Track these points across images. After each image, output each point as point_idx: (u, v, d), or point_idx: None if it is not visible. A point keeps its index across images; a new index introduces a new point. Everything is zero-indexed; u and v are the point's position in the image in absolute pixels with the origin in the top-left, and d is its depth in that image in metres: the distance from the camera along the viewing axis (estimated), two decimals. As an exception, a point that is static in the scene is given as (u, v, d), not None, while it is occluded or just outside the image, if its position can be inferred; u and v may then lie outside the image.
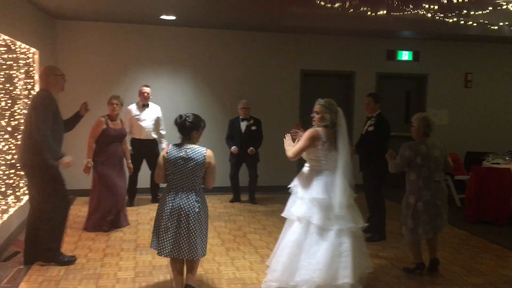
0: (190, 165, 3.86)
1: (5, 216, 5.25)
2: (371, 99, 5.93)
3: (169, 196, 3.90)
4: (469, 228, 6.70)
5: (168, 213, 3.85)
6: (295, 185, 4.28)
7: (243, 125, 7.79)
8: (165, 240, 3.86)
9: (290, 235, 4.14)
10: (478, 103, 9.94)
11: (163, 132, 7.58)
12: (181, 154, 3.88)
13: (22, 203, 5.95)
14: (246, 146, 7.76)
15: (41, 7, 6.99)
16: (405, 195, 4.80)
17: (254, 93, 8.69)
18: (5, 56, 5.31)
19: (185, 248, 3.84)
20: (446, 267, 5.07)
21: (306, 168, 4.26)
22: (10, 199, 5.47)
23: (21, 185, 5.90)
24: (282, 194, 8.51)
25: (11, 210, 5.49)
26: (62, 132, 4.86)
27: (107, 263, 4.99)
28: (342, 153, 4.11)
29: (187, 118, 3.92)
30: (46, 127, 4.55)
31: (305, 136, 4.14)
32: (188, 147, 3.90)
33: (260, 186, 8.33)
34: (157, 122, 7.50)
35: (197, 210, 3.86)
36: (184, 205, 3.84)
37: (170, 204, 3.86)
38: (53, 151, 4.65)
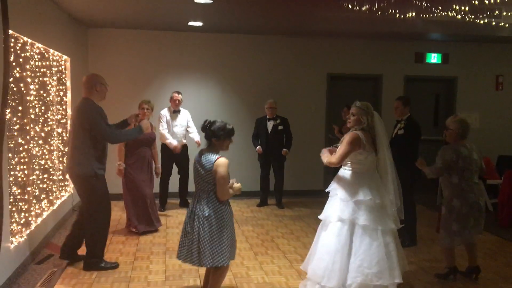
0: (202, 171, 3.84)
1: (39, 220, 5.38)
2: (400, 102, 5.87)
3: (192, 200, 3.98)
4: (503, 234, 6.53)
5: (187, 218, 3.92)
6: (334, 188, 4.24)
7: (270, 124, 7.82)
8: (182, 244, 3.92)
9: (332, 238, 4.07)
10: (510, 105, 9.71)
11: (194, 130, 7.61)
12: (198, 159, 3.90)
13: (55, 207, 6.09)
14: (272, 145, 7.77)
15: (73, 16, 7.16)
16: (447, 199, 4.68)
17: (281, 97, 8.68)
18: (39, 63, 5.46)
19: (196, 255, 3.82)
20: (480, 274, 4.95)
21: (346, 171, 4.21)
22: (44, 203, 5.60)
23: (54, 189, 6.05)
24: (309, 198, 8.57)
25: (45, 214, 5.62)
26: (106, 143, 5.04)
27: (138, 266, 5.06)
28: (383, 155, 4.12)
29: (208, 125, 3.89)
30: (109, 128, 4.81)
31: (346, 140, 4.11)
32: (205, 153, 3.88)
33: (286, 191, 8.32)
34: (187, 127, 7.59)
35: (206, 214, 3.79)
36: (197, 210, 3.84)
37: (189, 209, 3.93)
38: (130, 134, 5.14)
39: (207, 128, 3.90)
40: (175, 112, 7.48)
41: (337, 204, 4.13)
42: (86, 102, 4.80)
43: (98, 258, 4.91)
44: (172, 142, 7.29)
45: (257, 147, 7.81)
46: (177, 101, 7.44)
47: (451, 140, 4.72)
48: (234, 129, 3.96)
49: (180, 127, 7.49)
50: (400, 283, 4.04)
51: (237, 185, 3.96)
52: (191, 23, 7.70)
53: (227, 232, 3.86)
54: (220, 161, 3.78)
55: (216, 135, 3.85)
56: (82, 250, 5.04)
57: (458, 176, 4.60)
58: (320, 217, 4.28)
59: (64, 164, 6.64)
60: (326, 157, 4.26)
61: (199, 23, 7.70)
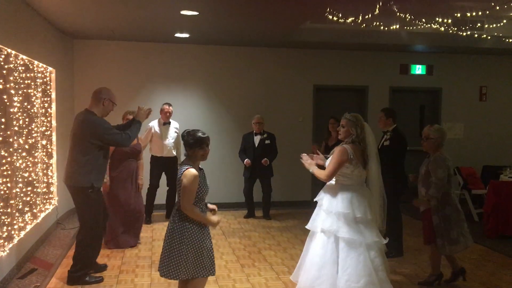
0: (177, 181, 3.64)
1: (22, 234, 5.28)
2: (383, 113, 5.93)
3: None
4: (488, 244, 6.58)
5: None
6: (321, 198, 4.28)
7: (257, 139, 7.82)
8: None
9: (317, 249, 4.11)
10: (494, 116, 9.85)
11: (181, 149, 7.62)
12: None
13: (39, 220, 5.99)
14: (259, 160, 7.76)
15: (58, 27, 7.13)
16: (437, 208, 4.65)
17: (267, 108, 8.72)
18: (23, 75, 5.40)
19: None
20: (465, 284, 4.98)
21: (332, 183, 4.25)
22: (27, 217, 5.51)
23: (38, 202, 5.96)
24: (296, 209, 8.56)
25: (28, 228, 5.53)
26: (108, 151, 5.11)
27: (123, 279, 4.99)
28: (373, 167, 4.13)
29: (184, 135, 3.63)
30: (120, 134, 4.88)
31: (335, 155, 4.14)
32: (182, 164, 3.66)
33: (274, 202, 8.30)
34: (177, 139, 7.55)
35: (171, 226, 3.59)
36: (170, 220, 3.67)
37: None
38: (134, 128, 5.04)
39: (183, 139, 3.68)
40: (165, 124, 7.43)
41: (321, 215, 4.18)
42: (89, 115, 4.83)
43: (86, 270, 4.85)
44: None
45: (245, 160, 7.79)
46: (168, 113, 7.40)
47: (432, 149, 4.80)
48: (207, 137, 3.62)
49: (170, 139, 7.46)
50: None
51: (214, 217, 3.63)
52: (178, 35, 7.71)
53: (190, 248, 3.51)
54: (187, 171, 3.50)
55: (188, 144, 3.59)
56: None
57: (449, 184, 4.70)
58: (307, 226, 4.33)
59: (49, 176, 6.57)
60: (314, 168, 4.28)
61: (186, 35, 7.72)
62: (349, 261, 3.96)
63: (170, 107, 7.44)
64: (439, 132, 4.77)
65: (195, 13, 6.06)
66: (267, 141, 7.81)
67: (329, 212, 4.11)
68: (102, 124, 4.80)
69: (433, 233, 4.70)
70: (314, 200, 4.40)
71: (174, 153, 7.54)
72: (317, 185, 6.43)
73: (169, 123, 7.49)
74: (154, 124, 7.43)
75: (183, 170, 3.55)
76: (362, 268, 3.94)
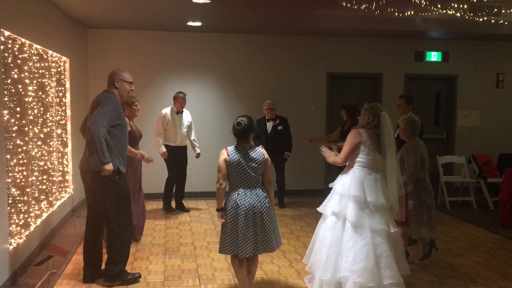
0: (253, 165, 4.03)
1: (38, 221, 5.38)
2: (403, 100, 5.89)
3: (238, 198, 4.00)
4: (504, 232, 6.51)
5: (244, 214, 3.97)
6: (335, 182, 4.35)
7: (269, 125, 7.79)
8: (246, 240, 3.97)
9: (327, 231, 4.18)
10: (510, 103, 9.69)
11: (195, 137, 7.63)
12: (243, 155, 4.05)
13: (55, 208, 6.09)
14: (273, 146, 7.71)
15: (72, 17, 7.17)
16: (415, 193, 4.89)
17: (280, 96, 8.68)
18: (38, 64, 5.46)
19: (262, 244, 4.03)
20: (480, 272, 4.95)
21: (348, 166, 4.30)
22: (43, 205, 5.61)
23: (53, 190, 6.05)
24: (310, 197, 8.56)
25: (44, 215, 5.62)
26: (127, 137, 4.56)
27: (137, 266, 5.05)
28: (389, 157, 4.13)
29: (246, 123, 4.08)
30: (104, 121, 4.13)
31: (348, 138, 4.23)
32: (248, 148, 4.09)
33: (287, 190, 8.30)
34: (189, 128, 7.54)
35: (268, 205, 4.05)
36: (256, 203, 3.99)
37: (243, 206, 3.98)
38: (103, 151, 4.11)
39: (245, 128, 4.09)
40: (178, 113, 7.42)
41: (334, 198, 4.24)
42: (104, 93, 4.45)
43: (123, 267, 4.57)
44: (163, 148, 7.26)
45: (259, 146, 7.75)
46: (183, 103, 7.35)
47: (404, 137, 5.00)
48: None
49: (184, 128, 7.43)
50: (396, 284, 3.99)
51: None
52: (190, 23, 7.70)
53: (228, 222, 4.04)
54: (265, 150, 4.20)
55: (254, 129, 4.17)
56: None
57: (423, 170, 4.89)
58: (318, 209, 4.39)
59: (64, 164, 6.65)
60: (331, 156, 4.37)
61: (198, 23, 7.70)
62: (351, 244, 4.00)
63: (185, 96, 7.40)
64: (405, 121, 4.96)
65: (207, 1, 6.04)
66: (279, 127, 7.78)
67: (341, 195, 4.16)
68: (108, 101, 4.26)
69: (408, 216, 4.88)
70: (329, 185, 4.44)
71: (186, 142, 7.54)
72: (332, 174, 6.42)
73: (182, 111, 7.47)
74: (167, 112, 7.33)
75: (262, 150, 4.18)
76: (363, 252, 3.96)
